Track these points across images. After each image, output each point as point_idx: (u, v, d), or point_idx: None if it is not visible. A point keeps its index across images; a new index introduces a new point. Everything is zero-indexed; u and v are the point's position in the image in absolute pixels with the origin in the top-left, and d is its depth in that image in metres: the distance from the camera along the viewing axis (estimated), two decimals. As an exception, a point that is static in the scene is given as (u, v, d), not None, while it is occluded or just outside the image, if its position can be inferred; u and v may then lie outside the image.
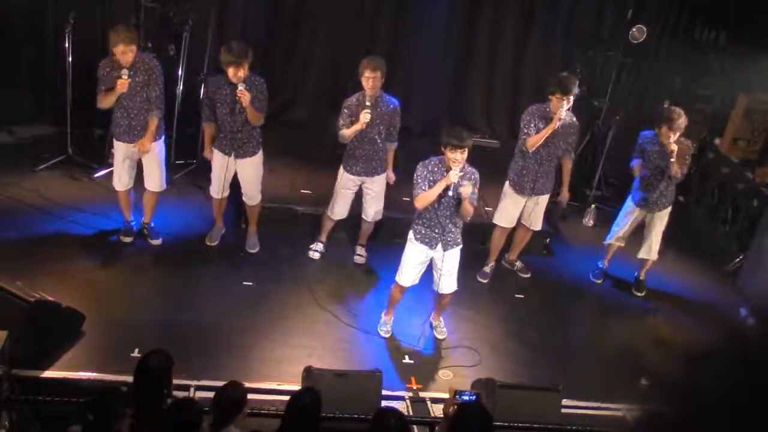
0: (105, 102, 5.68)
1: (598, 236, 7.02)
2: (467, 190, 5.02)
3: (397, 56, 8.36)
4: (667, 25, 8.35)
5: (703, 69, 8.41)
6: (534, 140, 5.94)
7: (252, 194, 6.24)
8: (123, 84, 5.57)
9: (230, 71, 5.57)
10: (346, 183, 6.19)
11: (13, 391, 4.12)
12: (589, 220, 7.87)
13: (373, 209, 6.35)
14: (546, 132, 5.89)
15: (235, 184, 6.27)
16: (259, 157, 6.08)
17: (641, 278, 6.73)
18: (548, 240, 7.24)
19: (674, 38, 8.44)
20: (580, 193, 8.17)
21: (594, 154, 8.29)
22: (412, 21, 8.38)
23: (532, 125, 5.97)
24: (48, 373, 4.74)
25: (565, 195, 6.42)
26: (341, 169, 6.20)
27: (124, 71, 5.56)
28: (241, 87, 5.56)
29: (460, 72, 8.76)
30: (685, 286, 7.02)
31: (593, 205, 7.89)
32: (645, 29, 7.68)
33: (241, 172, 6.10)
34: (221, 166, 6.04)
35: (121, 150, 5.93)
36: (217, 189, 6.18)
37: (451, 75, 8.76)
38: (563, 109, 5.82)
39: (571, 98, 5.85)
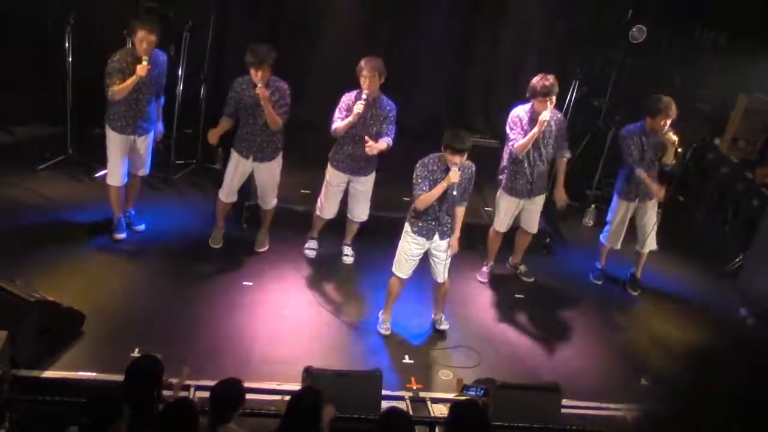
0: (122, 92, 5.65)
1: (598, 236, 7.01)
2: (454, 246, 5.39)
3: (397, 56, 8.35)
4: (667, 25, 8.34)
5: (703, 69, 8.40)
6: (522, 145, 5.92)
7: (268, 199, 6.27)
8: (144, 68, 5.59)
9: (252, 72, 5.64)
10: (333, 181, 6.18)
11: (13, 391, 4.12)
12: (589, 220, 7.87)
13: (360, 209, 6.34)
14: (533, 136, 5.86)
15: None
16: (277, 161, 6.12)
17: (637, 276, 6.74)
18: (548, 240, 7.24)
19: (674, 38, 8.44)
20: (580, 193, 8.17)
21: (594, 154, 8.29)
22: (412, 21, 8.38)
23: (517, 129, 5.95)
24: (48, 373, 4.74)
25: (561, 196, 6.26)
26: (329, 167, 6.18)
27: (146, 57, 5.61)
28: (259, 84, 5.61)
29: (460, 72, 8.75)
30: (685, 286, 7.02)
31: (593, 205, 7.89)
32: (645, 29, 7.67)
33: (258, 176, 6.14)
34: (237, 167, 6.07)
35: (119, 143, 5.94)
36: (227, 193, 6.20)
37: (451, 75, 8.75)
38: (546, 113, 5.80)
39: (553, 98, 5.84)
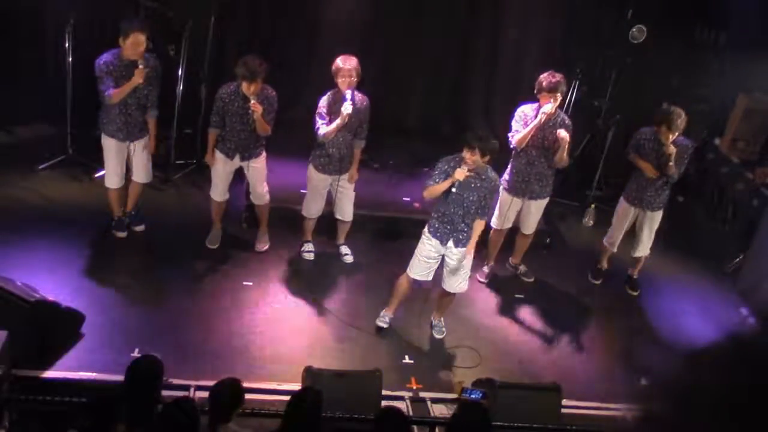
0: (119, 96, 5.65)
1: (598, 236, 7.02)
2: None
3: (397, 57, 8.36)
4: (667, 25, 8.34)
5: (703, 69, 8.40)
6: (520, 138, 5.91)
7: (260, 194, 6.26)
8: (141, 73, 5.59)
9: (244, 85, 5.62)
10: (319, 184, 6.17)
11: (13, 391, 4.13)
12: (589, 220, 7.87)
13: (348, 207, 6.33)
14: (531, 129, 5.85)
15: (233, 186, 6.28)
16: (263, 157, 6.13)
17: (635, 277, 6.76)
18: (548, 240, 7.24)
19: (674, 38, 8.43)
20: (580, 193, 8.17)
21: (594, 154, 8.29)
22: (412, 21, 8.37)
23: (520, 123, 5.95)
24: (48, 373, 4.75)
25: (561, 156, 5.95)
26: (311, 169, 6.15)
27: (141, 61, 5.60)
28: (253, 100, 5.61)
29: (461, 72, 8.75)
30: (685, 286, 7.02)
31: (593, 205, 7.89)
32: (645, 29, 7.67)
33: (248, 173, 6.13)
34: (224, 168, 6.07)
35: (113, 148, 5.96)
36: (220, 192, 6.20)
37: (451, 75, 8.75)
38: (548, 106, 5.80)
39: (559, 96, 5.82)
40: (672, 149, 5.91)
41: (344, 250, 6.59)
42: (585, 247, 7.28)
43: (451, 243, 5.36)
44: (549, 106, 5.80)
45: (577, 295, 6.66)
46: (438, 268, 5.55)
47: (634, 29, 7.69)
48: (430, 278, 5.55)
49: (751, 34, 7.62)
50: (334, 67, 5.77)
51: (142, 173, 6.19)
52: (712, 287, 7.07)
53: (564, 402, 4.90)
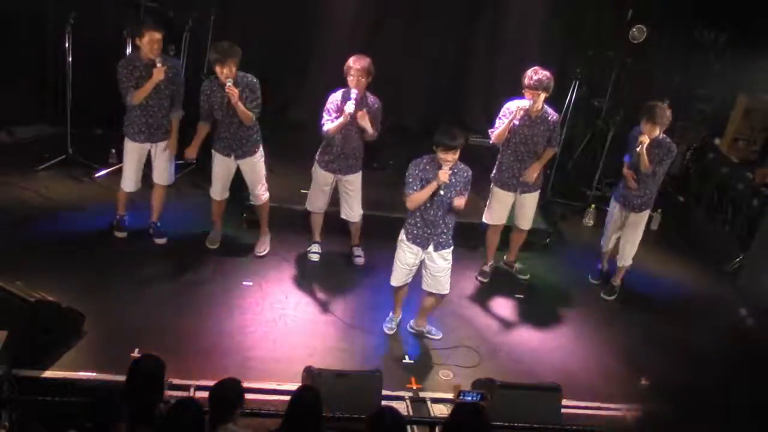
0: (140, 96, 5.67)
1: (598, 236, 7.01)
2: (460, 202, 5.04)
3: (397, 56, 8.36)
4: (667, 25, 8.35)
5: (703, 69, 8.40)
6: (497, 133, 5.95)
7: (257, 193, 6.24)
8: (160, 71, 5.61)
9: (217, 69, 5.58)
10: (320, 179, 6.15)
11: (13, 391, 4.13)
12: (589, 220, 7.87)
13: (353, 209, 6.30)
14: (506, 125, 5.87)
15: (233, 186, 6.28)
16: (259, 154, 6.10)
17: (614, 284, 6.61)
18: (548, 239, 7.24)
19: (674, 38, 8.43)
20: (580, 193, 8.18)
21: (594, 154, 8.29)
22: (411, 21, 8.38)
23: (505, 119, 5.95)
24: (48, 373, 4.75)
25: (531, 174, 6.10)
26: (315, 166, 6.14)
27: (159, 59, 5.62)
28: (228, 83, 5.56)
29: (460, 72, 8.75)
30: (685, 286, 7.02)
31: (593, 205, 7.89)
32: (645, 29, 7.68)
33: (244, 172, 6.12)
34: (222, 167, 6.06)
35: (134, 150, 5.96)
36: (218, 191, 6.19)
37: (450, 75, 8.75)
38: (523, 102, 5.82)
39: (541, 93, 5.80)
40: (645, 139, 5.80)
41: (356, 251, 6.57)
42: (585, 247, 7.28)
43: (431, 247, 5.30)
44: (524, 102, 5.81)
45: (577, 295, 6.66)
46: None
47: (634, 29, 7.70)
48: (409, 280, 5.52)
49: (751, 34, 7.63)
50: (345, 66, 5.77)
51: (162, 175, 6.14)
52: (712, 287, 7.07)
53: (564, 402, 4.90)
